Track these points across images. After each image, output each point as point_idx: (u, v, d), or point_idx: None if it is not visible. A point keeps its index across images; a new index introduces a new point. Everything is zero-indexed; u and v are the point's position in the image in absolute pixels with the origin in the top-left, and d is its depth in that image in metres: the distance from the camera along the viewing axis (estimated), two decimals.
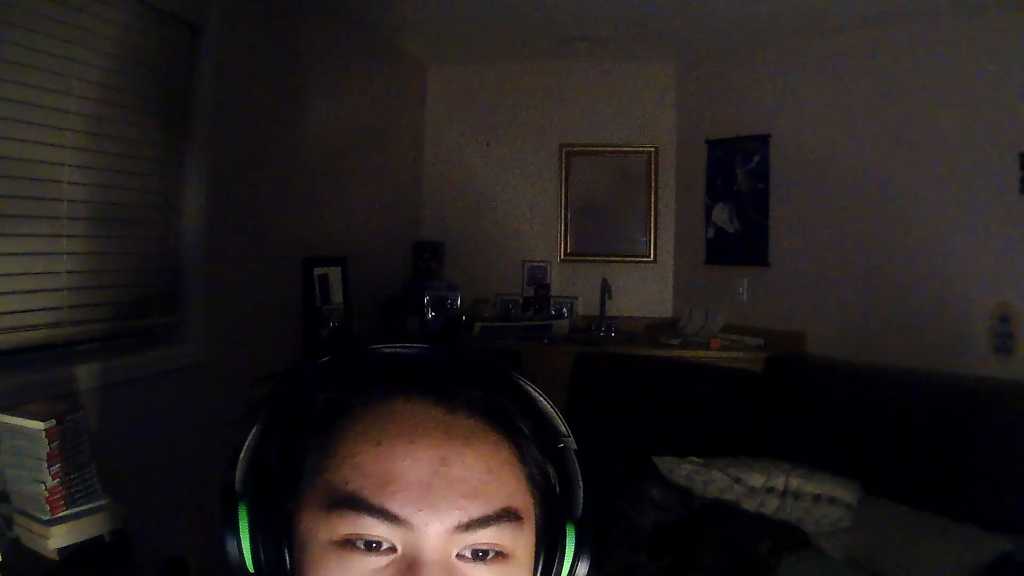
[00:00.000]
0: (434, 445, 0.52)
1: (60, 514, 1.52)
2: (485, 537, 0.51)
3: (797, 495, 2.79)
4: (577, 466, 0.59)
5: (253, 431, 0.56)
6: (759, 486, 2.86)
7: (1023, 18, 3.05)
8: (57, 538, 1.50)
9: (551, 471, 0.58)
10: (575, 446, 0.59)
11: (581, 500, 0.59)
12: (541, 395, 0.58)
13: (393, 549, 0.50)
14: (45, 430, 1.49)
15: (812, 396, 3.35)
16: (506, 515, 0.52)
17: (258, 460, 0.56)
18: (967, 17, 3.20)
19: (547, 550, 0.57)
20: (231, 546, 0.54)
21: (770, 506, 2.81)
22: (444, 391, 0.54)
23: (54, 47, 1.96)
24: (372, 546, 0.50)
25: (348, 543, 0.50)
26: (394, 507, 0.49)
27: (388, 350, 0.57)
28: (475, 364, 0.58)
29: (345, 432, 0.53)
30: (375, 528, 0.49)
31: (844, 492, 2.75)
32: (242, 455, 0.57)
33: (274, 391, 0.57)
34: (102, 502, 1.59)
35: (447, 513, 0.50)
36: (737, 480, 2.90)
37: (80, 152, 2.07)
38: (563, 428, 0.59)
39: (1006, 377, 2.98)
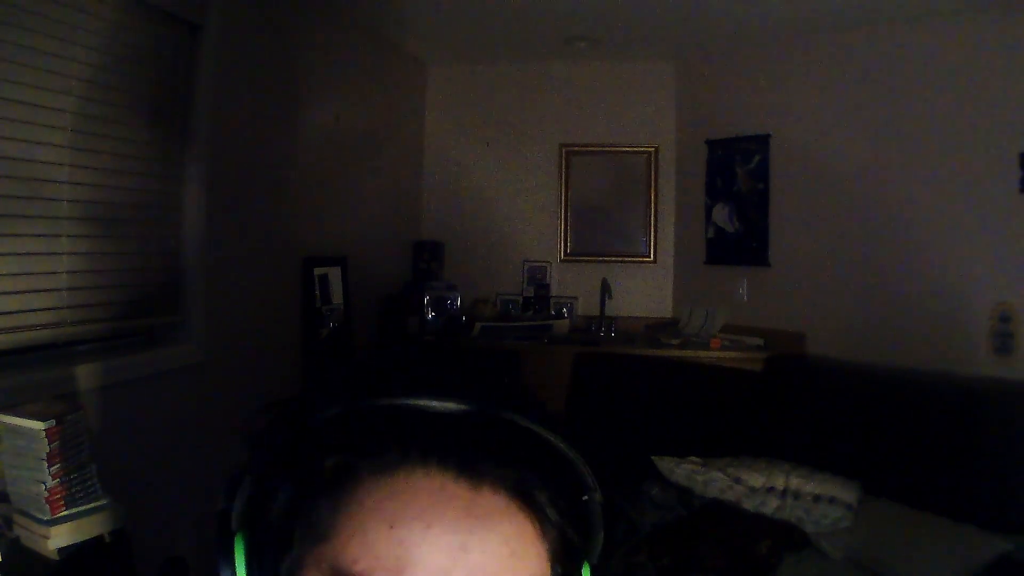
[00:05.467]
0: (454, 530, 0.47)
1: (60, 514, 1.52)
2: None
3: (797, 495, 2.79)
4: (601, 518, 0.55)
5: (251, 474, 0.51)
6: (759, 486, 2.86)
7: (1023, 18, 3.05)
8: (57, 538, 1.50)
9: (573, 533, 0.53)
10: (601, 499, 0.55)
11: (600, 545, 0.56)
12: (570, 450, 0.53)
13: None
14: (45, 430, 1.49)
15: (812, 396, 3.35)
16: None
17: (256, 500, 0.52)
18: (967, 17, 3.20)
19: None
20: None
21: (770, 506, 2.81)
22: (469, 464, 0.49)
23: (54, 47, 1.96)
24: None
25: None
26: None
27: (406, 404, 0.50)
28: (504, 431, 0.51)
29: (354, 503, 0.48)
30: None
31: (844, 492, 2.75)
32: (239, 490, 0.52)
33: (276, 440, 0.52)
34: (102, 502, 1.59)
35: None
36: (737, 480, 2.90)
37: (80, 152, 2.07)
38: (591, 482, 0.54)
39: (1006, 377, 2.98)
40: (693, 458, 3.05)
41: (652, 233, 4.49)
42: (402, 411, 0.50)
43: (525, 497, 0.50)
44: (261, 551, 0.50)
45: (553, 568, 0.52)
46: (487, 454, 0.49)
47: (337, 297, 3.48)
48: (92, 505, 1.57)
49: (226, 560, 0.50)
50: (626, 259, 4.51)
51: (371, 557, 0.46)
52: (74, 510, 1.54)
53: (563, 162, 4.55)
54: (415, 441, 0.49)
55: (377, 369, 0.55)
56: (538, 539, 0.50)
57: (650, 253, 4.50)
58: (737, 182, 4.09)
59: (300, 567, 0.48)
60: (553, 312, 4.46)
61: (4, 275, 1.88)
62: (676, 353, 3.84)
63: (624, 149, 4.51)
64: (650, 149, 4.47)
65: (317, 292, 3.32)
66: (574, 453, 0.53)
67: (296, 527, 0.49)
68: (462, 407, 0.50)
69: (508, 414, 0.52)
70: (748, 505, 2.84)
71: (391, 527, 0.46)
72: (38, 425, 1.50)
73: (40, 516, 1.51)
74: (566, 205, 4.57)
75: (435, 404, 0.50)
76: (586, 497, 0.54)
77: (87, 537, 1.54)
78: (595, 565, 0.55)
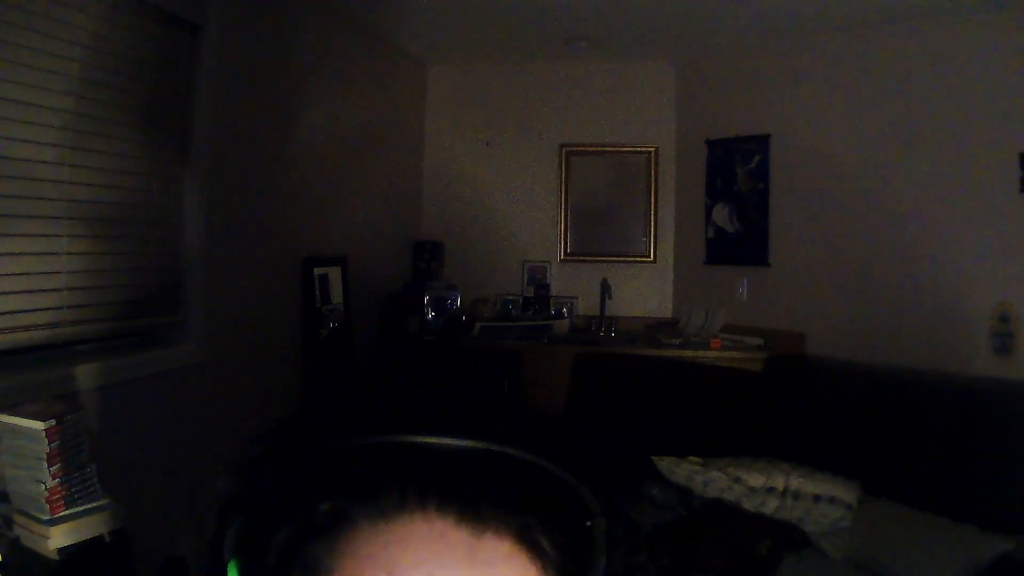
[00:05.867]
0: None
1: (60, 514, 1.52)
2: None
3: (797, 495, 2.79)
4: (604, 543, 0.53)
5: (242, 517, 0.50)
6: (759, 486, 2.86)
7: (1022, 18, 3.05)
8: (57, 538, 1.50)
9: (574, 566, 0.52)
10: (604, 525, 0.53)
11: (603, 568, 0.54)
12: (574, 479, 0.51)
13: None
14: (45, 430, 1.49)
15: (812, 396, 3.35)
16: None
17: (249, 533, 0.50)
18: (967, 17, 3.20)
19: None
20: None
21: (770, 506, 2.81)
22: (470, 509, 0.47)
23: (54, 47, 1.96)
24: None
25: None
26: None
27: (404, 441, 0.49)
28: (505, 467, 0.49)
29: (350, 550, 0.46)
30: None
31: (844, 492, 2.75)
32: (232, 524, 0.50)
33: (267, 481, 0.50)
34: (102, 502, 1.59)
35: None
36: (737, 480, 2.90)
37: (80, 152, 2.07)
38: (594, 507, 0.52)
39: (1006, 377, 2.98)
40: (693, 458, 3.05)
41: (652, 233, 4.49)
42: (400, 449, 0.48)
43: (528, 541, 0.48)
44: None
45: None
46: (489, 497, 0.47)
47: (337, 297, 3.48)
48: (92, 505, 1.57)
49: None
50: (626, 259, 4.51)
51: None
52: (74, 510, 1.54)
53: (563, 162, 4.55)
54: (413, 484, 0.47)
55: (374, 400, 0.53)
56: None
57: (650, 253, 4.50)
58: (737, 182, 4.09)
59: None
60: (553, 312, 4.46)
61: (4, 275, 1.88)
62: (676, 353, 3.84)
63: (624, 149, 4.51)
64: (650, 149, 4.47)
65: (317, 292, 3.32)
66: (578, 481, 0.51)
67: (291, 567, 0.47)
68: (462, 444, 0.49)
69: (509, 449, 0.50)
70: (748, 505, 2.84)
71: (389, 574, 0.45)
72: (38, 425, 1.50)
73: (40, 516, 1.51)
74: (566, 205, 4.57)
75: (433, 441, 0.48)
76: (589, 523, 0.52)
77: (87, 537, 1.54)
78: None
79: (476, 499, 0.47)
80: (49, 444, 1.50)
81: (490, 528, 0.47)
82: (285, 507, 0.48)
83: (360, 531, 0.46)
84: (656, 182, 4.47)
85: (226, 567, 0.49)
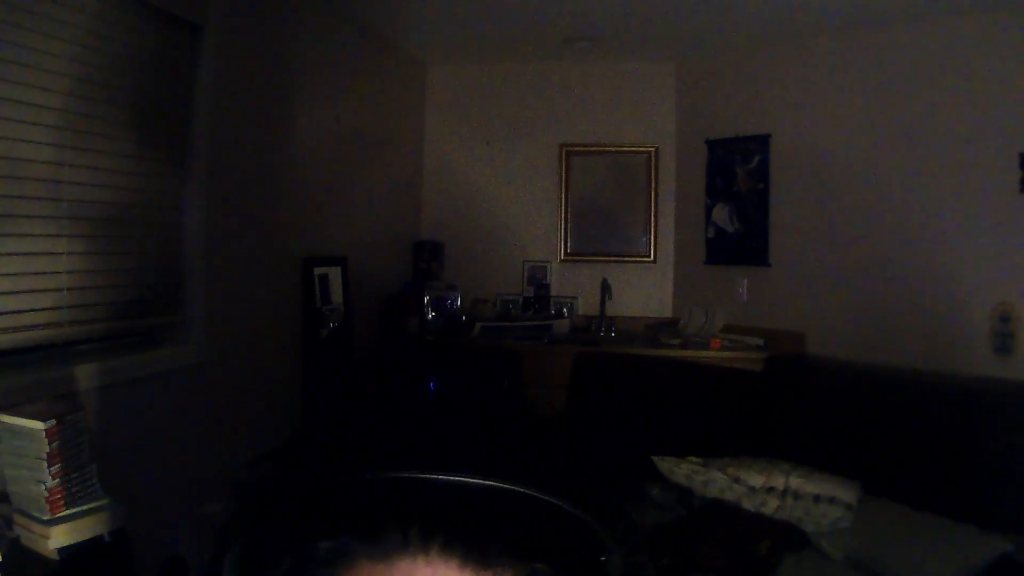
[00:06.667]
0: None
1: (60, 514, 1.52)
2: None
3: (797, 495, 2.79)
4: (619, 572, 0.51)
5: (239, 547, 0.49)
6: (759, 486, 2.86)
7: (1023, 18, 3.05)
8: (57, 538, 1.50)
9: None
10: (620, 562, 0.51)
11: None
12: (586, 517, 0.50)
13: None
14: (45, 430, 1.49)
15: (812, 396, 3.35)
16: None
17: (249, 560, 0.49)
18: (967, 17, 3.20)
19: None
20: None
21: (770, 506, 2.81)
22: (475, 553, 0.45)
23: (54, 47, 1.96)
24: None
25: None
26: None
27: (408, 477, 0.47)
28: (512, 505, 0.48)
29: None
30: None
31: (844, 492, 2.75)
32: (230, 553, 0.49)
33: (266, 515, 0.49)
34: (102, 502, 1.59)
35: None
36: (737, 480, 2.90)
37: (80, 152, 2.07)
38: (609, 543, 0.51)
39: (1006, 377, 2.98)
40: (693, 458, 3.05)
41: (652, 233, 4.49)
42: (403, 486, 0.47)
43: None
44: None
45: None
46: (495, 539, 0.46)
47: (337, 297, 3.48)
48: (92, 505, 1.57)
49: None
50: (626, 259, 4.51)
51: None
52: (74, 510, 1.54)
53: (563, 162, 4.55)
54: (416, 523, 0.45)
55: (378, 430, 0.51)
56: None
57: (650, 253, 4.50)
58: (737, 182, 4.09)
59: None
60: (553, 312, 4.46)
61: (4, 275, 1.88)
62: (676, 353, 3.84)
63: (624, 149, 4.51)
64: (650, 149, 4.47)
65: (317, 292, 3.32)
66: (588, 518, 0.50)
67: None
68: (468, 481, 0.47)
69: (515, 486, 0.48)
70: (748, 505, 2.84)
71: None
72: (38, 425, 1.50)
73: (40, 516, 1.51)
74: (566, 205, 4.57)
75: (439, 478, 0.47)
76: (604, 558, 0.50)
77: (87, 537, 1.54)
78: None
79: (481, 541, 0.45)
80: (49, 444, 1.50)
81: (495, 573, 0.45)
82: (285, 541, 0.47)
83: (360, 571, 0.45)
84: (656, 182, 4.47)
85: None
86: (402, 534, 0.45)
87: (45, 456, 1.49)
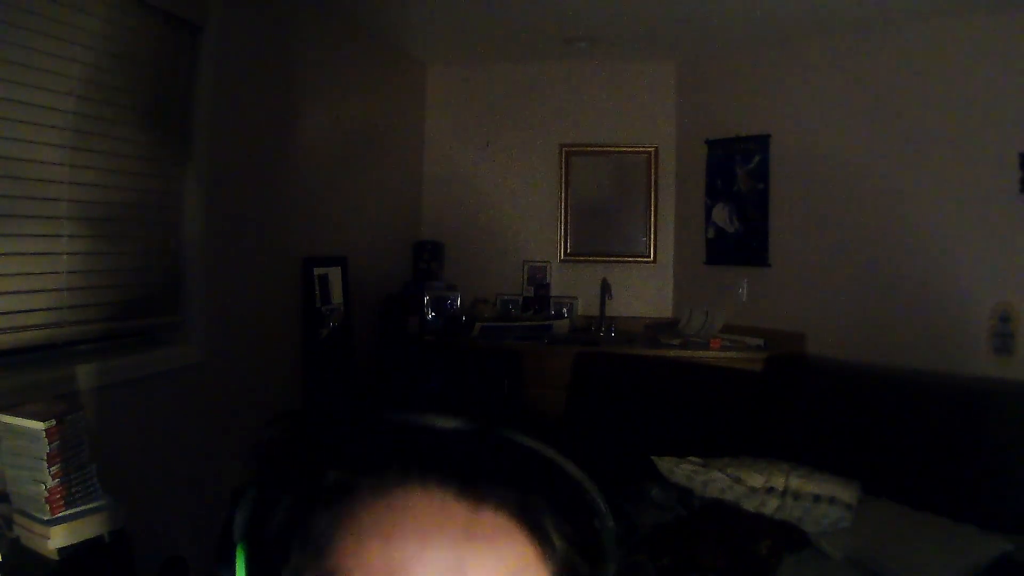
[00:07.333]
0: (451, 548, 0.46)
1: (60, 514, 1.52)
2: None
3: (797, 495, 2.79)
4: (613, 544, 0.53)
5: (255, 487, 0.52)
6: (759, 486, 2.86)
7: (1023, 18, 3.05)
8: (57, 538, 1.50)
9: (580, 562, 0.52)
10: (612, 524, 0.53)
11: (613, 572, 0.54)
12: (578, 473, 0.52)
13: None
14: (45, 430, 1.49)
15: (812, 396, 3.35)
16: None
17: (259, 512, 0.52)
18: (966, 17, 3.20)
19: None
20: None
21: (770, 506, 2.81)
22: (470, 484, 0.48)
23: (54, 47, 1.96)
24: None
25: None
26: None
27: (410, 420, 0.50)
28: (510, 452, 0.50)
29: (354, 518, 0.47)
30: None
31: (844, 492, 2.75)
32: (244, 500, 0.52)
33: (281, 452, 0.52)
34: (102, 502, 1.59)
35: None
36: (737, 480, 2.90)
37: (80, 152, 2.07)
38: (602, 507, 0.53)
39: (1006, 377, 2.98)
40: (693, 458, 3.05)
41: (652, 233, 4.49)
42: (405, 428, 0.50)
43: (528, 519, 0.49)
44: (261, 562, 0.50)
45: None
46: (490, 473, 0.48)
47: (337, 297, 3.48)
48: (92, 505, 1.57)
49: (227, 570, 0.50)
50: (626, 259, 4.51)
51: (365, 572, 0.45)
52: (74, 510, 1.54)
53: (563, 162, 4.55)
54: (416, 459, 0.48)
55: (381, 384, 0.54)
56: (540, 564, 0.49)
57: (650, 253, 4.50)
58: (737, 182, 4.09)
59: None
60: (553, 312, 4.46)
61: (4, 275, 1.88)
62: (676, 353, 3.84)
63: (624, 149, 4.51)
64: (650, 149, 4.47)
65: (317, 292, 3.32)
66: (584, 477, 0.52)
67: (295, 540, 0.49)
68: (467, 425, 0.50)
69: (516, 435, 0.51)
70: (748, 505, 2.84)
71: (387, 543, 0.46)
72: (38, 425, 1.50)
73: (40, 516, 1.51)
74: (566, 205, 4.57)
75: (439, 422, 0.50)
76: (597, 523, 0.53)
77: (87, 537, 1.54)
78: None
79: (477, 474, 0.48)
80: (49, 444, 1.50)
81: (488, 503, 0.48)
82: (291, 477, 0.50)
83: (362, 500, 0.47)
84: (656, 182, 4.47)
85: (235, 550, 0.50)
86: (402, 468, 0.48)
87: (45, 456, 1.49)
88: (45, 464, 1.50)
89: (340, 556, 0.46)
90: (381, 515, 0.47)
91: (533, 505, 0.49)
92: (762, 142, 3.96)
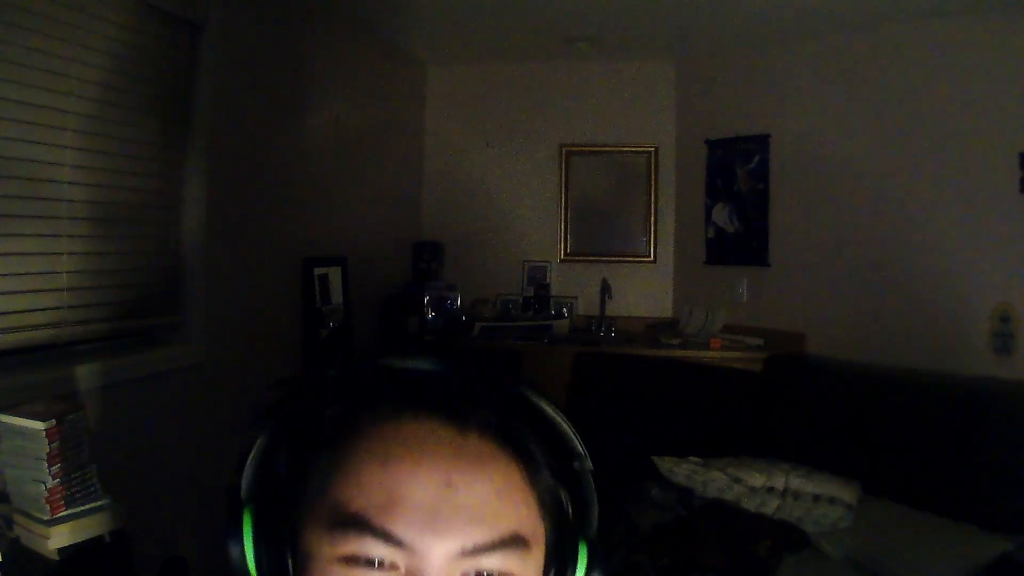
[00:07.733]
0: (442, 468, 0.50)
1: (60, 514, 1.51)
2: (490, 563, 0.50)
3: (797, 495, 2.79)
4: (592, 486, 0.58)
5: (260, 440, 0.55)
6: (759, 486, 2.86)
7: (1023, 18, 3.05)
8: (57, 538, 1.50)
9: (563, 494, 0.56)
10: (591, 466, 0.58)
11: (596, 519, 0.58)
12: (557, 414, 0.57)
13: (397, 567, 0.49)
14: (45, 430, 1.49)
15: (812, 396, 3.35)
16: (513, 541, 0.51)
17: (264, 469, 0.55)
18: (967, 17, 3.20)
19: (558, 569, 0.56)
20: (235, 552, 0.52)
21: (770, 506, 2.81)
22: (456, 411, 0.52)
23: (54, 47, 1.96)
24: (377, 563, 0.49)
25: (352, 560, 0.49)
26: (397, 530, 0.48)
27: (399, 364, 0.56)
28: (490, 383, 0.56)
29: (352, 449, 0.51)
30: (377, 549, 0.48)
31: (844, 492, 2.75)
32: (249, 461, 0.55)
33: (283, 401, 0.56)
34: (102, 502, 1.59)
35: (451, 538, 0.49)
36: (737, 480, 2.90)
37: (80, 152, 2.07)
38: (579, 448, 0.57)
39: (1006, 377, 2.98)
40: (693, 458, 3.05)
41: (652, 233, 4.49)
42: (394, 370, 0.56)
43: (512, 442, 0.53)
44: (268, 522, 0.53)
45: (544, 520, 0.54)
46: (474, 401, 0.54)
47: (337, 297, 3.48)
48: (92, 505, 1.57)
49: (234, 533, 0.53)
50: (626, 259, 4.51)
51: (364, 496, 0.49)
52: (74, 510, 1.54)
53: (563, 162, 4.55)
54: (407, 394, 0.53)
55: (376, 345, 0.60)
56: (525, 485, 0.53)
57: (650, 253, 4.50)
58: (737, 182, 4.09)
59: (305, 521, 0.51)
60: (553, 312, 4.45)
61: (4, 275, 1.88)
62: (676, 353, 3.84)
63: (624, 149, 4.51)
64: (650, 149, 4.47)
65: (317, 292, 3.32)
66: (564, 420, 0.57)
67: (299, 484, 0.52)
68: (452, 364, 0.56)
69: (497, 374, 0.57)
70: (748, 505, 2.84)
71: (384, 464, 0.50)
72: (38, 425, 1.49)
73: (40, 516, 1.51)
74: (566, 205, 4.57)
75: (427, 364, 0.56)
76: (577, 466, 0.57)
77: (87, 537, 1.54)
78: (592, 542, 0.57)
79: (463, 404, 0.53)
80: (49, 444, 1.50)
81: (475, 428, 0.52)
82: (293, 424, 0.55)
83: (360, 433, 0.52)
84: (656, 182, 4.47)
85: (241, 512, 0.53)
86: (396, 402, 0.53)
87: (45, 456, 1.49)
88: (45, 464, 1.49)
89: (341, 488, 0.50)
90: (377, 444, 0.51)
91: (516, 431, 0.54)
92: (762, 142, 3.96)
